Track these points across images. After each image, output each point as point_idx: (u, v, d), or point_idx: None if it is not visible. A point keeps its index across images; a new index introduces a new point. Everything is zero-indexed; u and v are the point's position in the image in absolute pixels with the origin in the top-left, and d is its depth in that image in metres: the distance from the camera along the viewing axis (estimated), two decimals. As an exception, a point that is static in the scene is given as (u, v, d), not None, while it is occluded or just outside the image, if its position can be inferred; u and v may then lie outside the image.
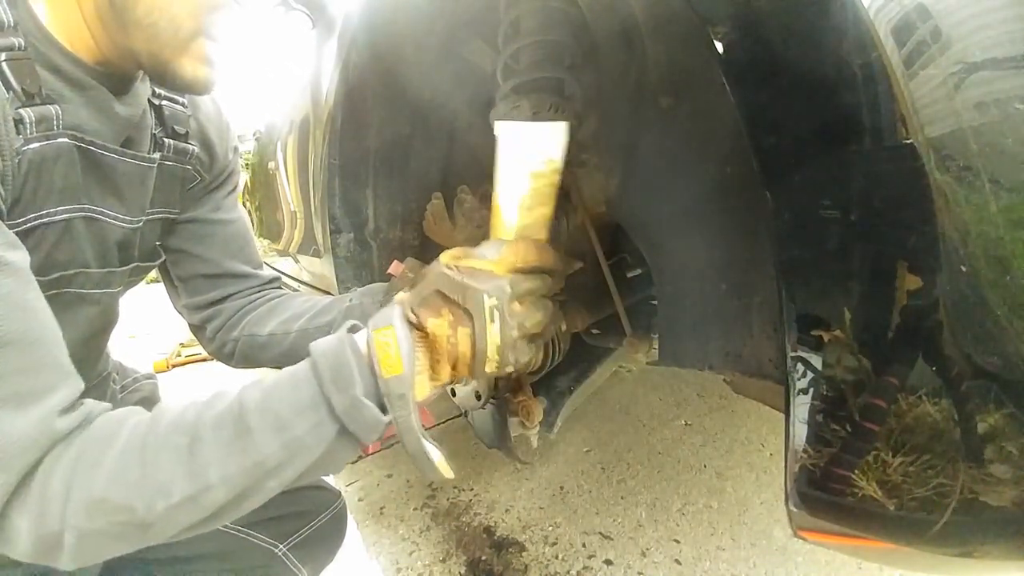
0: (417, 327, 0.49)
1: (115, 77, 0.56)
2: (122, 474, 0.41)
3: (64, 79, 0.51)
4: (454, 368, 0.49)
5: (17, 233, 0.49)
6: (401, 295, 0.53)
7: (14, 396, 0.40)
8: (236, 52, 0.60)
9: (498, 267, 0.51)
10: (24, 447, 0.39)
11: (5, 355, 0.39)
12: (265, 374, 0.49)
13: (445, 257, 0.53)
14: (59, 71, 0.51)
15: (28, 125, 0.48)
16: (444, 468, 0.48)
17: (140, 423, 0.45)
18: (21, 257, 0.44)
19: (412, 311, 0.49)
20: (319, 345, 0.47)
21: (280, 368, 0.49)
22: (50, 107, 0.50)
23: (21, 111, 0.47)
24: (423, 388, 0.49)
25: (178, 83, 0.55)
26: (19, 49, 0.48)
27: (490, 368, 0.49)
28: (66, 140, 0.52)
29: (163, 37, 0.51)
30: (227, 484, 0.42)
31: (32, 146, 0.48)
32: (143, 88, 0.62)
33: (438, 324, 0.48)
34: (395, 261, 0.73)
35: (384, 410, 0.45)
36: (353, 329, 0.50)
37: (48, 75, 0.50)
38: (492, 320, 0.47)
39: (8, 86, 0.47)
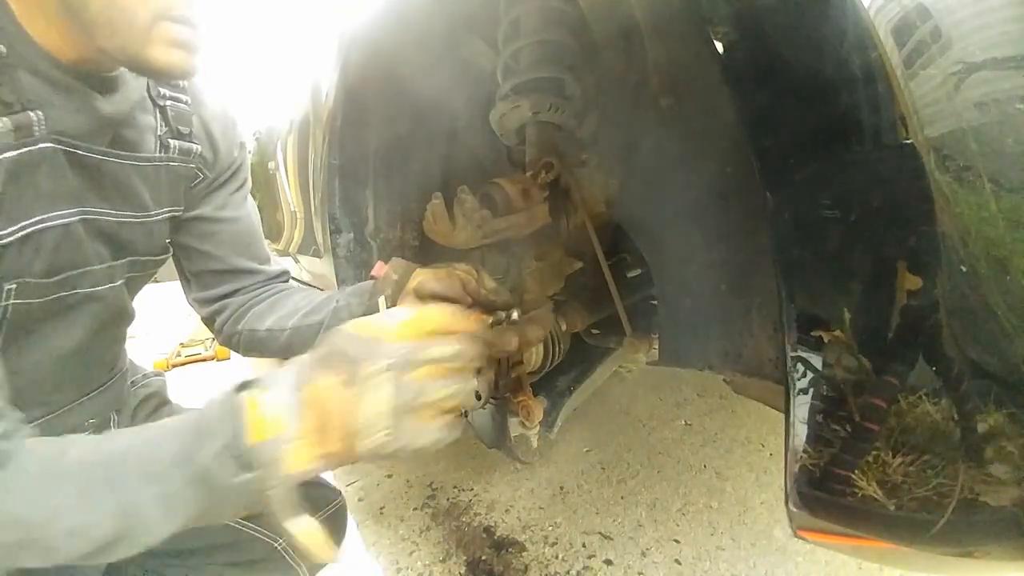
0: (307, 386, 0.43)
1: (96, 75, 0.56)
2: (24, 494, 0.41)
3: (46, 82, 0.51)
4: (343, 439, 0.42)
5: (13, 241, 0.50)
6: (302, 358, 0.46)
7: None
8: (213, 32, 0.58)
9: (399, 332, 0.45)
10: None
11: None
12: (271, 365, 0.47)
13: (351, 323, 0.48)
14: (41, 74, 0.51)
15: (3, 134, 0.48)
16: (318, 546, 0.42)
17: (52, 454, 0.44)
18: None
19: (308, 368, 0.44)
20: (209, 403, 0.45)
21: (284, 359, 0.48)
22: (30, 114, 0.49)
23: None
24: (303, 456, 0.42)
25: (154, 71, 0.54)
26: None
27: (372, 443, 0.42)
28: (49, 145, 0.51)
29: (123, 30, 0.50)
30: (108, 522, 0.42)
31: (9, 154, 0.48)
32: (136, 82, 0.62)
33: (327, 386, 0.43)
34: (379, 262, 0.71)
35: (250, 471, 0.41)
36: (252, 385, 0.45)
37: (31, 79, 0.50)
38: (377, 388, 0.41)
39: None
